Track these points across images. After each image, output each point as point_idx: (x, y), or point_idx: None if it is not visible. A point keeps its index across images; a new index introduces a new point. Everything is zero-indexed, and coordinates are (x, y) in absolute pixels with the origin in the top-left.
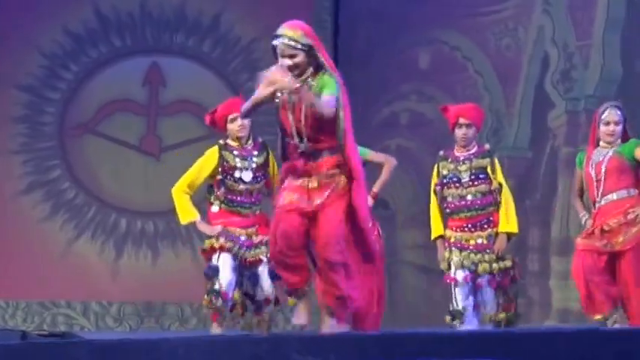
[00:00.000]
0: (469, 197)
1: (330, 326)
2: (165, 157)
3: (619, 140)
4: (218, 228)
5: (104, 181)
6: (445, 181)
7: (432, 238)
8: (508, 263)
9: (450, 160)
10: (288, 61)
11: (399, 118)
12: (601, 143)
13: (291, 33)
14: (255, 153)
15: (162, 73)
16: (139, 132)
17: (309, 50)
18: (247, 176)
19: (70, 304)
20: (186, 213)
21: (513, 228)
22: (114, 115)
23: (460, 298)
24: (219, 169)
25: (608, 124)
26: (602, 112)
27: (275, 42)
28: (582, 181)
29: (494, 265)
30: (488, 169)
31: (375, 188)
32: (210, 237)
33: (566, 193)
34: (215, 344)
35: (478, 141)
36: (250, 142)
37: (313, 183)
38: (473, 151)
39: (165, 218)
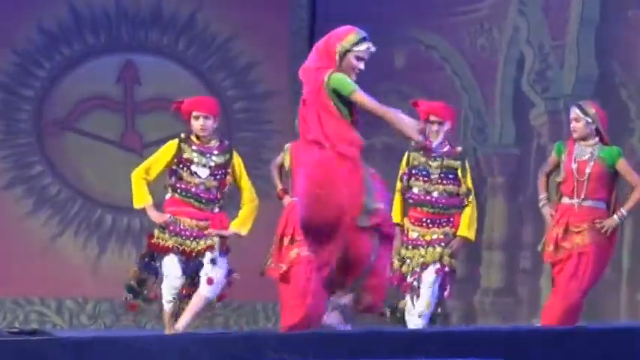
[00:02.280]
0: (435, 194)
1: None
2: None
3: (595, 139)
4: (166, 217)
5: (87, 177)
6: (414, 172)
7: None
8: (455, 264)
9: (421, 152)
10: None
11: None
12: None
13: None
14: (216, 152)
15: (137, 70)
16: (117, 129)
17: None
18: (203, 172)
19: (44, 302)
20: (140, 197)
21: (472, 236)
22: (90, 112)
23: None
24: (175, 160)
25: (570, 121)
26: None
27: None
28: (554, 166)
29: (446, 258)
30: (459, 172)
31: None
32: (161, 226)
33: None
34: (190, 342)
35: (453, 140)
36: (215, 142)
37: None
38: (445, 149)
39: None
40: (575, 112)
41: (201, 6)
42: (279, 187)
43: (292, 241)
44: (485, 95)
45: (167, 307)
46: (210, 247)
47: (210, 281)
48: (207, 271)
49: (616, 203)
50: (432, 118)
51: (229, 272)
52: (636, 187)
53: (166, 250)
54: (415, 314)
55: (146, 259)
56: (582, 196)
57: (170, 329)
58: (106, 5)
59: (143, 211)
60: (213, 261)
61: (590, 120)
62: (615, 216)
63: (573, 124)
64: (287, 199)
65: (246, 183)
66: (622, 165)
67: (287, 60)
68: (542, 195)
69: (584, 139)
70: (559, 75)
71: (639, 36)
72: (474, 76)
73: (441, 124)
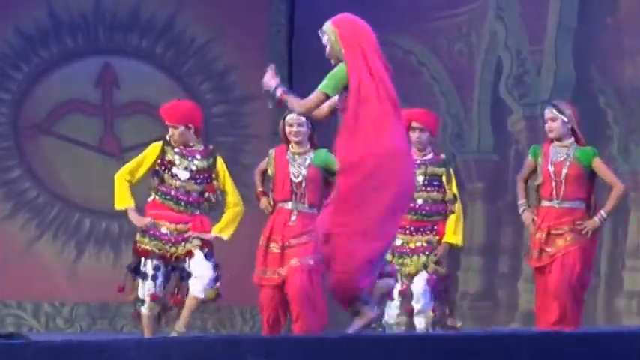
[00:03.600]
0: (419, 201)
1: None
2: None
3: (570, 140)
4: (147, 220)
5: (66, 181)
6: None
7: None
8: (442, 270)
9: None
10: None
11: None
12: (554, 141)
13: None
14: (198, 157)
15: (115, 74)
16: (95, 132)
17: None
18: (184, 175)
19: (21, 305)
20: (122, 199)
21: (458, 241)
22: (68, 115)
23: (394, 313)
24: (158, 162)
25: (546, 122)
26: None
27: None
28: (531, 171)
29: (431, 265)
30: (443, 179)
31: None
32: (141, 230)
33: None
34: (167, 346)
35: (435, 147)
36: (199, 146)
37: None
38: (429, 157)
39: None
40: (551, 111)
41: (180, 9)
42: (259, 188)
43: (283, 247)
44: (464, 100)
45: (144, 310)
46: (189, 253)
47: (198, 281)
48: (194, 272)
49: (596, 204)
50: (413, 124)
51: (216, 267)
52: (614, 187)
53: (146, 254)
54: (419, 320)
55: (133, 266)
56: (561, 198)
57: (149, 332)
58: (84, 8)
59: (124, 213)
60: (197, 262)
61: (566, 120)
62: (595, 218)
63: (549, 124)
64: (264, 202)
65: (230, 187)
66: (598, 165)
67: (266, 64)
68: (522, 201)
69: (559, 139)
70: (537, 80)
71: (617, 42)
72: (452, 82)
73: (422, 130)
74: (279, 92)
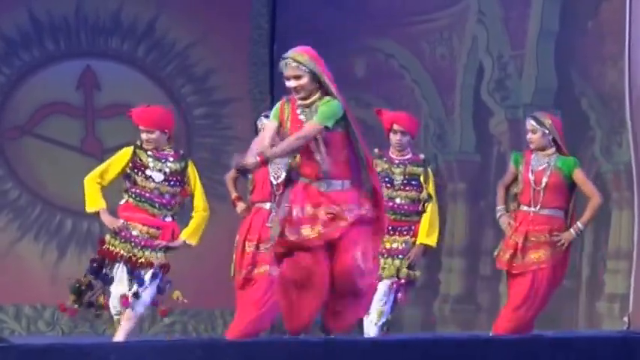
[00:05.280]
0: (398, 200)
1: None
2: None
3: (552, 149)
4: (120, 222)
5: (47, 182)
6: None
7: None
8: (416, 274)
9: (384, 159)
10: (293, 83)
11: None
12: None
13: (297, 56)
14: (171, 159)
15: (96, 76)
16: (77, 134)
17: (313, 74)
18: (158, 177)
19: (2, 308)
20: (93, 201)
21: (432, 242)
22: (50, 117)
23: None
24: (130, 165)
25: (527, 132)
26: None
27: (281, 63)
28: (513, 178)
29: (404, 270)
30: (421, 178)
31: None
32: (113, 231)
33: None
34: (148, 350)
35: (414, 148)
36: (170, 150)
37: None
38: (408, 157)
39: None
40: (530, 124)
41: (161, 13)
42: (234, 194)
43: (257, 247)
44: (446, 103)
45: (115, 317)
46: (150, 264)
47: (135, 296)
48: (137, 286)
49: (573, 213)
50: (395, 127)
51: (162, 287)
52: (592, 198)
53: (114, 257)
54: (370, 322)
55: (94, 265)
56: (539, 205)
57: (126, 334)
58: (65, 11)
59: (96, 215)
60: (144, 278)
61: (546, 131)
62: (572, 230)
63: (530, 136)
64: (241, 206)
65: (199, 191)
66: (578, 175)
67: (247, 67)
68: (500, 206)
69: (541, 149)
70: (518, 84)
71: (599, 46)
72: (434, 85)
73: (403, 133)
74: (259, 158)
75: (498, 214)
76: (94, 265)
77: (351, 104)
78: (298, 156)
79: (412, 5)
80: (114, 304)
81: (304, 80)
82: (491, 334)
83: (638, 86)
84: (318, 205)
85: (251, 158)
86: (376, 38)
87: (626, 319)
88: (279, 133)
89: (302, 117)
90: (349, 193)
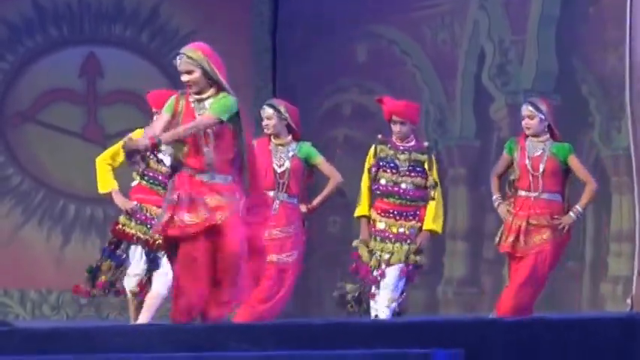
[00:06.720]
0: (403, 185)
1: None
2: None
3: (547, 135)
4: (133, 203)
5: (50, 168)
6: (382, 164)
7: (356, 215)
8: (423, 260)
9: (389, 146)
10: (185, 77)
11: (342, 109)
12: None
13: (190, 52)
14: None
15: (99, 63)
16: (79, 121)
17: (204, 70)
18: (169, 161)
19: (7, 292)
20: (105, 182)
21: (438, 228)
22: (53, 104)
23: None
24: None
25: (523, 118)
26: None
27: (177, 58)
28: (506, 166)
29: (411, 257)
30: (426, 165)
31: (315, 202)
32: (127, 213)
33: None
34: (152, 333)
35: (418, 135)
36: None
37: None
38: (412, 144)
39: (115, 205)
40: (528, 109)
41: None
42: None
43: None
44: (447, 89)
45: (130, 297)
46: None
47: (162, 277)
48: (163, 266)
49: (569, 197)
50: (395, 118)
51: None
52: (587, 183)
53: (130, 238)
54: (380, 306)
55: (112, 247)
56: (539, 190)
57: (135, 320)
58: None
59: (108, 196)
60: (161, 261)
61: (543, 117)
62: (572, 213)
63: (527, 122)
64: None
65: None
66: (573, 161)
67: (250, 54)
68: (496, 195)
69: (536, 135)
70: (519, 70)
71: (599, 32)
72: (435, 70)
73: (402, 123)
74: (150, 141)
75: (496, 204)
76: (111, 247)
77: (354, 90)
78: (186, 147)
79: None
80: (129, 283)
81: (196, 75)
82: (494, 316)
83: (639, 72)
84: (201, 195)
85: (142, 140)
86: (378, 24)
87: (629, 300)
88: (172, 125)
89: (196, 111)
90: (232, 186)
